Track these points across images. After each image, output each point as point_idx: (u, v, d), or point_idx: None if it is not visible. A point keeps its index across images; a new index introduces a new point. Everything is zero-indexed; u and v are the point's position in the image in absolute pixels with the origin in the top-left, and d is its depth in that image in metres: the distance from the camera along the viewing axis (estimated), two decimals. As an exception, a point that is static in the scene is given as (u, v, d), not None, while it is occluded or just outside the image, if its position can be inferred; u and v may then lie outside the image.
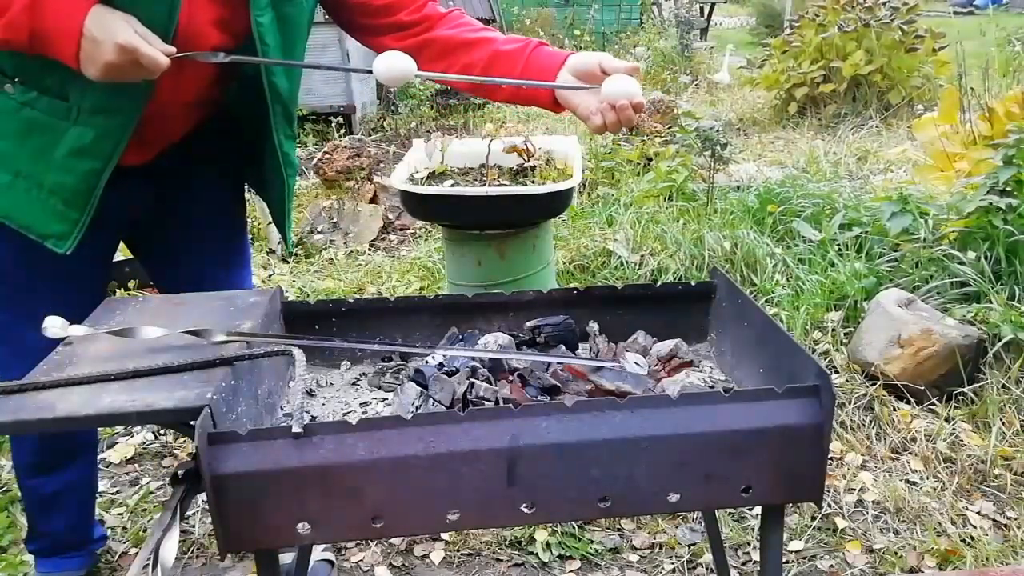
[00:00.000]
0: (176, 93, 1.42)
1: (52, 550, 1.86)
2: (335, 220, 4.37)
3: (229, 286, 1.68)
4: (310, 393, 1.39)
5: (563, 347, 1.39)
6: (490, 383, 1.30)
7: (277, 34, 1.41)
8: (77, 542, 1.89)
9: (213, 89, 1.51)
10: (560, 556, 2.08)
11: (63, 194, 1.37)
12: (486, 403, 1.24)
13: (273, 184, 1.63)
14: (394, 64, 1.31)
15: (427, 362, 1.39)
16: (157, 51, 1.22)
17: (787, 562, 2.05)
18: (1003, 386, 2.50)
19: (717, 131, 4.13)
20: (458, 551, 2.10)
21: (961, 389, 2.56)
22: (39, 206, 1.37)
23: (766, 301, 3.05)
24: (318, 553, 1.97)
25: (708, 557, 2.04)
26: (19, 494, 2.25)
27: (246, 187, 1.82)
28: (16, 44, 1.21)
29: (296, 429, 1.00)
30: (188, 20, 1.31)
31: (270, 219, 4.04)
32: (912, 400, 2.58)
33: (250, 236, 3.93)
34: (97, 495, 1.96)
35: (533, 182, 2.43)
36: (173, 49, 1.25)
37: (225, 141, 1.63)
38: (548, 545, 2.09)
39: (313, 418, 1.31)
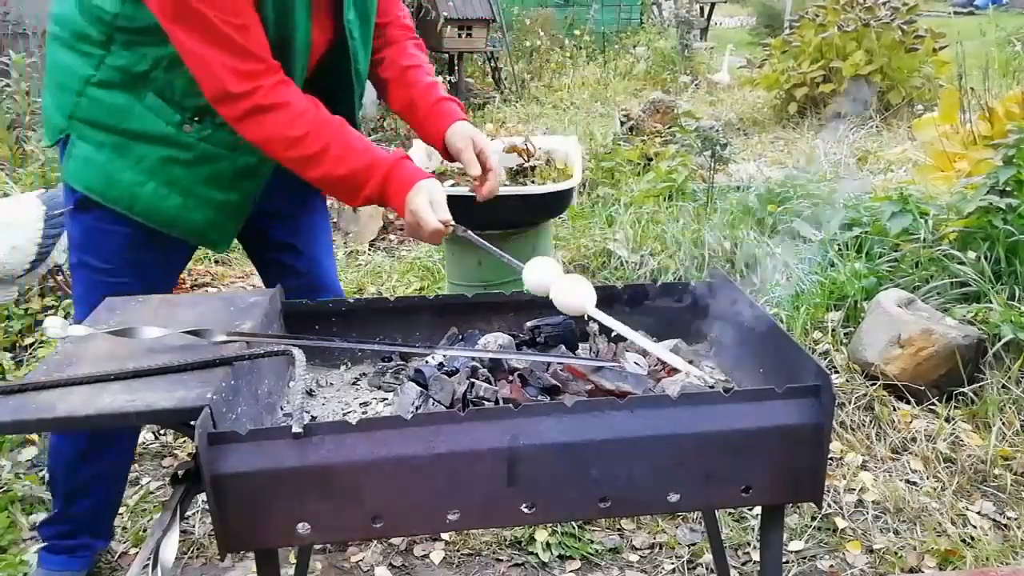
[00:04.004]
0: None
1: (71, 533, 1.85)
2: (335, 220, 4.37)
3: (328, 270, 1.92)
4: (310, 393, 1.39)
5: (563, 347, 1.39)
6: (490, 383, 1.30)
7: (360, 26, 1.61)
8: (99, 530, 1.90)
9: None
10: (560, 556, 2.08)
11: (228, 210, 1.62)
12: (486, 403, 1.24)
13: None
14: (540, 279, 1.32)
15: (427, 362, 1.39)
16: (435, 223, 1.44)
17: (787, 562, 2.05)
18: (1003, 386, 2.50)
19: (717, 131, 4.14)
20: (458, 551, 2.10)
21: (961, 389, 2.55)
22: (207, 220, 1.61)
23: (766, 301, 3.05)
24: None
25: (708, 557, 2.04)
26: (19, 493, 2.25)
27: None
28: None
29: (296, 429, 1.00)
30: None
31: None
32: (912, 400, 2.57)
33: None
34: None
35: (533, 182, 2.44)
36: (448, 218, 1.46)
37: None
38: (548, 545, 2.09)
39: (313, 418, 1.31)
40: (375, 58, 1.72)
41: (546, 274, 1.26)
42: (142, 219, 1.56)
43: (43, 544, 1.88)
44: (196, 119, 1.51)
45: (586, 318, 1.19)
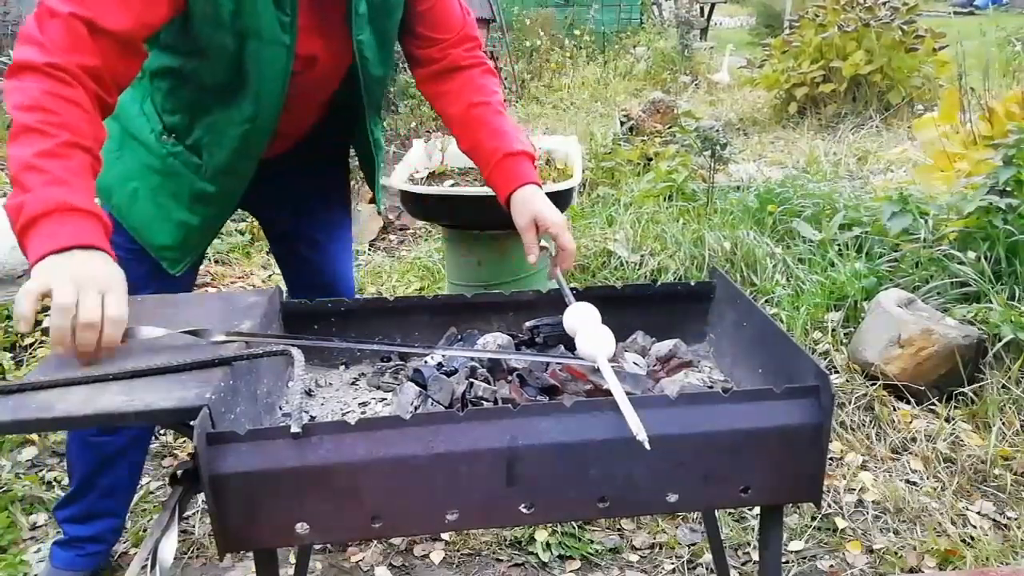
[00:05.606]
0: (293, 127, 1.62)
1: (88, 516, 1.85)
2: (335, 220, 4.36)
3: (343, 267, 1.96)
4: (309, 393, 1.39)
5: (562, 347, 1.39)
6: (489, 383, 1.30)
7: (376, 47, 1.56)
8: (118, 510, 1.90)
9: (323, 109, 1.69)
10: (560, 556, 2.08)
11: (186, 230, 1.61)
12: (485, 403, 1.24)
13: (365, 162, 1.84)
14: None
15: (426, 362, 1.39)
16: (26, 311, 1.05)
17: (787, 562, 2.05)
18: (1003, 386, 2.50)
19: (717, 131, 4.13)
20: (458, 551, 2.10)
21: (961, 389, 2.55)
22: (167, 234, 1.61)
23: (766, 301, 3.05)
24: None
25: (708, 557, 2.04)
26: (19, 493, 2.25)
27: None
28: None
29: (295, 429, 1.00)
30: (306, 52, 1.45)
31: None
32: (912, 400, 2.57)
33: (250, 236, 3.94)
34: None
35: (533, 182, 2.43)
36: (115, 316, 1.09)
37: (324, 134, 1.76)
38: (548, 545, 2.09)
39: (312, 418, 1.31)
40: (438, 89, 1.65)
41: (580, 320, 1.33)
42: (115, 214, 1.57)
43: (55, 536, 1.88)
44: (173, 134, 1.56)
45: (595, 367, 1.24)
